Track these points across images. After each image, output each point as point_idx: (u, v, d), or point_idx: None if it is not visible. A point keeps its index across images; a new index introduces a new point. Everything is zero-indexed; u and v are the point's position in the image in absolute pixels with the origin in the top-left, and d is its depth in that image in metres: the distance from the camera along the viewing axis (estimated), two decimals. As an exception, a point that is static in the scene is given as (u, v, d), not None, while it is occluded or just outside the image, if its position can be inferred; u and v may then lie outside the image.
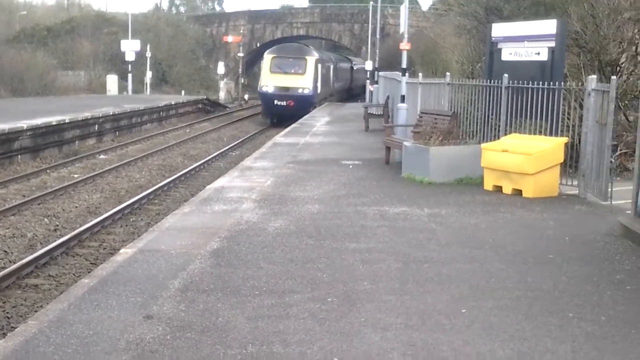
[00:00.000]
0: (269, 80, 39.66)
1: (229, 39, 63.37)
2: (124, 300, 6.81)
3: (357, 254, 8.71)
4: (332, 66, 50.76)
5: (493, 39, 15.46)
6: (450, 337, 6.04)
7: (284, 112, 38.74)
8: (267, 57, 41.17)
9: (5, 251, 12.77)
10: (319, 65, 41.78)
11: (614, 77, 12.24)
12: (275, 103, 38.91)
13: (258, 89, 41.59)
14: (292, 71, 39.88)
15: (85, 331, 6.01)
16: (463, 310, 6.72)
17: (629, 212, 10.41)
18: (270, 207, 11.58)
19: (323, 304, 6.85)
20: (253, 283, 7.47)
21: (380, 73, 39.29)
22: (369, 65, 48.81)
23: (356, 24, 69.15)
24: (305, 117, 34.07)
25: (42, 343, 5.75)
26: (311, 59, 40.51)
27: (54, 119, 25.68)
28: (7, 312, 9.87)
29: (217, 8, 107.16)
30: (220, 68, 60.76)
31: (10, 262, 12.10)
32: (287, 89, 39.06)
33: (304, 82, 39.57)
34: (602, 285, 7.59)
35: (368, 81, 47.63)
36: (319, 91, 41.64)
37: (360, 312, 6.63)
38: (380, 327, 6.25)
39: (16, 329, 6.32)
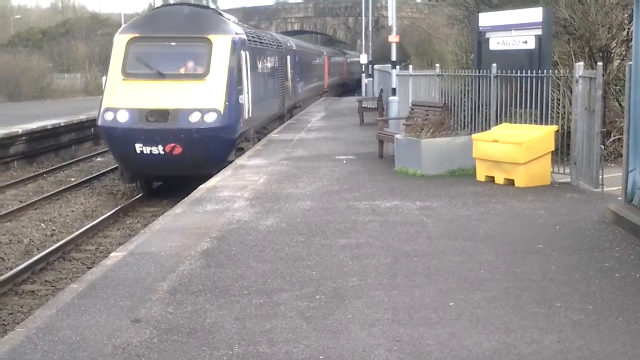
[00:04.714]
0: (121, 98, 17.04)
1: (224, 36, 62.91)
2: (112, 305, 6.83)
3: (347, 250, 8.72)
4: (289, 57, 29.91)
5: (480, 28, 15.43)
6: (437, 331, 6.06)
7: (160, 169, 17.19)
8: (120, 41, 17.87)
9: (2, 258, 12.82)
10: (244, 55, 19.19)
11: (599, 64, 12.23)
12: (137, 150, 16.67)
13: (98, 119, 17.42)
14: (178, 70, 17.50)
15: (72, 337, 6.03)
16: (451, 304, 6.74)
17: (620, 198, 10.42)
18: (262, 205, 11.59)
19: (311, 302, 6.86)
20: (242, 283, 7.48)
21: (375, 66, 39.17)
22: (364, 59, 48.73)
23: (350, 17, 69.28)
24: (300, 113, 33.46)
25: (29, 350, 5.77)
26: (221, 41, 17.76)
27: (49, 123, 25.72)
28: (4, 319, 9.92)
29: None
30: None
31: (6, 268, 12.15)
32: (164, 113, 16.63)
33: (204, 95, 17.05)
34: (590, 273, 7.59)
35: (363, 74, 47.55)
36: (247, 114, 19.29)
37: (348, 309, 6.65)
38: (367, 323, 6.26)
39: (4, 337, 6.35)
